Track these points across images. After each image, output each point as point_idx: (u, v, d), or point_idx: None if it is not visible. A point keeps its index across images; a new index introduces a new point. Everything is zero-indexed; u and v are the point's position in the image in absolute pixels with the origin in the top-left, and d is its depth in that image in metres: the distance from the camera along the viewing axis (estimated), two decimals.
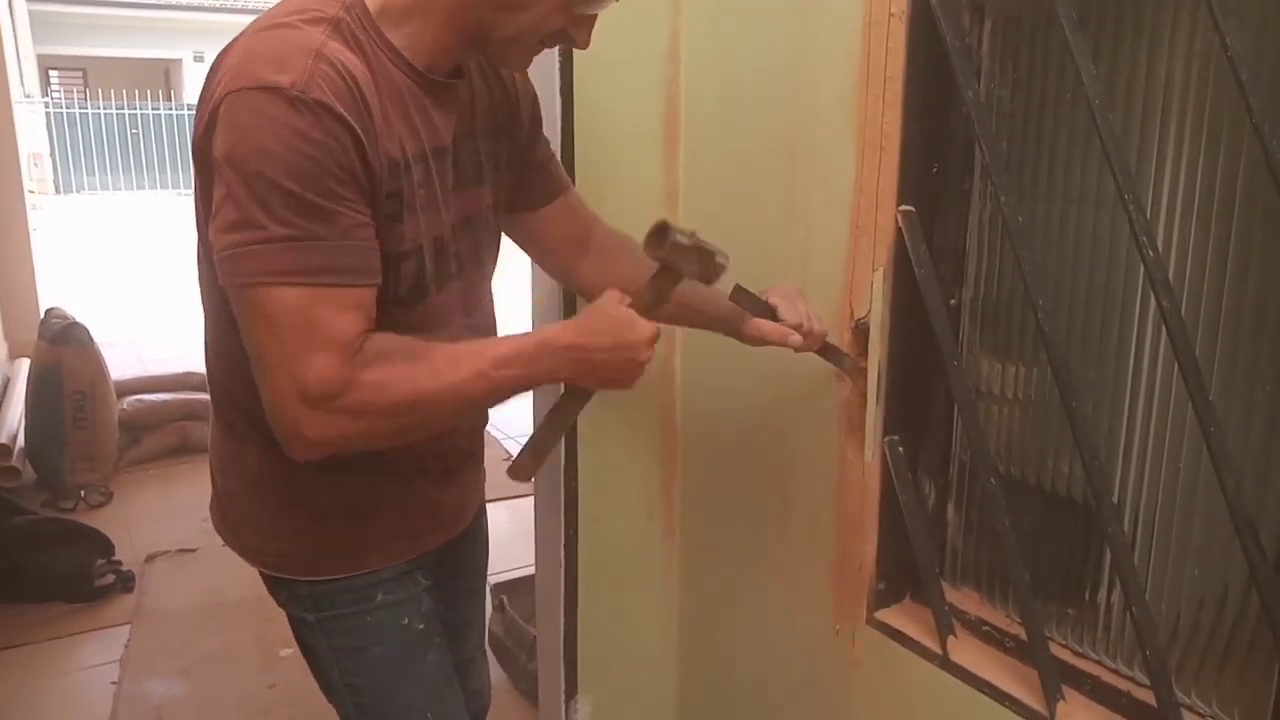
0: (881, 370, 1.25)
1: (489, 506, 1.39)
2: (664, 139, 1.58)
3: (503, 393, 0.98)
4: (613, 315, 0.99)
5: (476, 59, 1.07)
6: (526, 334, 1.01)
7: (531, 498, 1.75)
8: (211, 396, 1.13)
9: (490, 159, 1.11)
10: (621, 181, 1.52)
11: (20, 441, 3.49)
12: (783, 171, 1.37)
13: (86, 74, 18.67)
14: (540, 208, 1.22)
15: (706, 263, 1.02)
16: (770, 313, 1.16)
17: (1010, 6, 1.14)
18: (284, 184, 0.84)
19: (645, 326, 0.99)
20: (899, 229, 1.20)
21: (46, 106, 15.28)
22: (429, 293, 1.03)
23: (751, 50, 1.41)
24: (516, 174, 1.18)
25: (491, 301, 1.19)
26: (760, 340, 1.18)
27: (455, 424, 1.07)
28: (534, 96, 1.21)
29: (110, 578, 2.79)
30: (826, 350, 1.23)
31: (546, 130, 1.25)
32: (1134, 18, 1.04)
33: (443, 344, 0.97)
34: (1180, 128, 1.02)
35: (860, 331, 1.26)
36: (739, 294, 1.12)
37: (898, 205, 1.20)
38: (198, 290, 1.06)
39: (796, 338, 1.16)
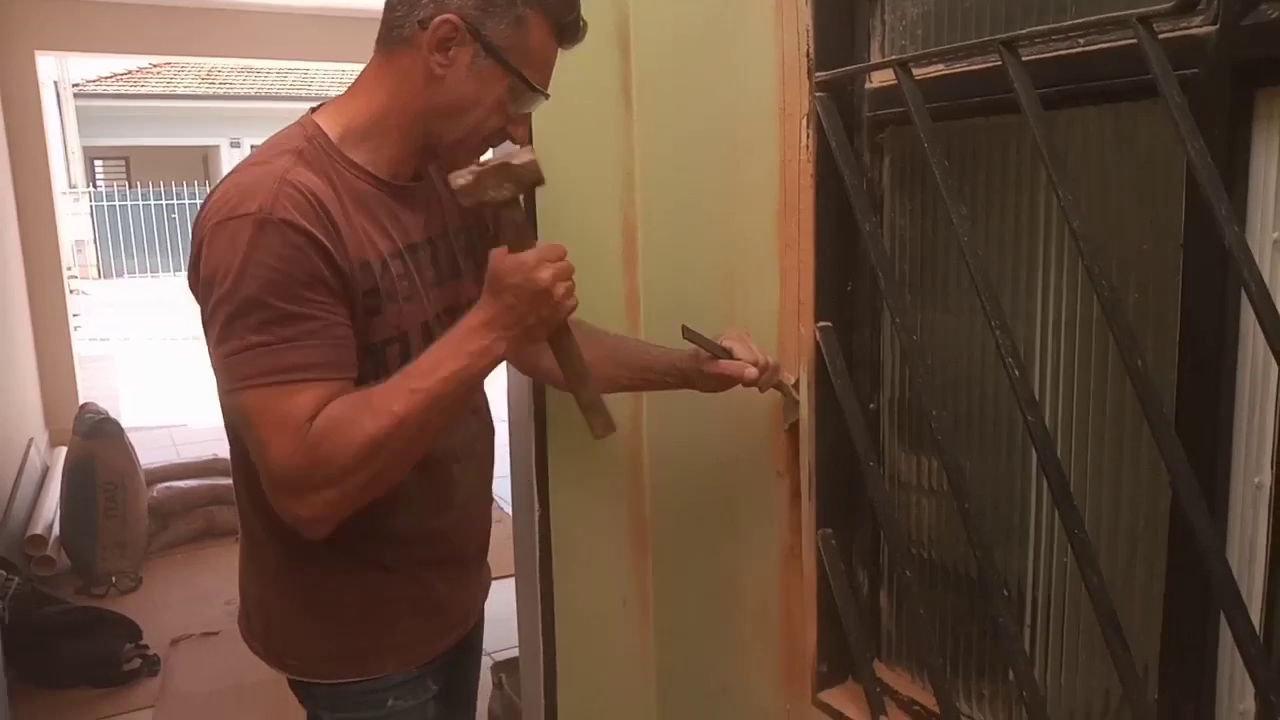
0: (811, 470, 1.37)
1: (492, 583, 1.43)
2: (623, 250, 1.74)
3: (446, 397, 1.01)
4: (497, 277, 1.02)
5: (434, 164, 1.17)
6: (449, 334, 1.04)
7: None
8: (238, 506, 1.21)
9: (465, 254, 1.21)
10: (591, 285, 1.67)
11: (55, 530, 3.68)
12: (722, 288, 1.51)
13: (129, 162, 19.46)
14: None
15: (505, 172, 1.01)
16: (726, 353, 1.25)
17: (904, 145, 1.29)
18: (258, 297, 0.96)
19: (525, 259, 1.01)
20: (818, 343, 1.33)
21: (91, 197, 15.98)
22: None
23: (695, 178, 1.56)
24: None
25: (483, 385, 1.24)
26: (721, 378, 1.25)
27: (431, 445, 1.09)
28: None
29: (137, 662, 2.92)
30: (779, 385, 1.33)
31: None
32: (1015, 158, 1.18)
33: (374, 384, 1.02)
34: (1060, 248, 1.15)
35: (792, 433, 1.39)
36: (692, 334, 1.20)
37: (816, 321, 1.33)
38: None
39: (753, 372, 1.24)
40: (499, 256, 1.03)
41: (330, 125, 1.08)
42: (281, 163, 1.03)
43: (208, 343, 1.02)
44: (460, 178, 0.99)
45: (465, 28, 1.02)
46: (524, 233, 1.03)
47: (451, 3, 1.02)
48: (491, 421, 1.31)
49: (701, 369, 1.27)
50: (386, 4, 1.06)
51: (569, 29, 1.08)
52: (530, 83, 1.06)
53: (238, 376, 0.98)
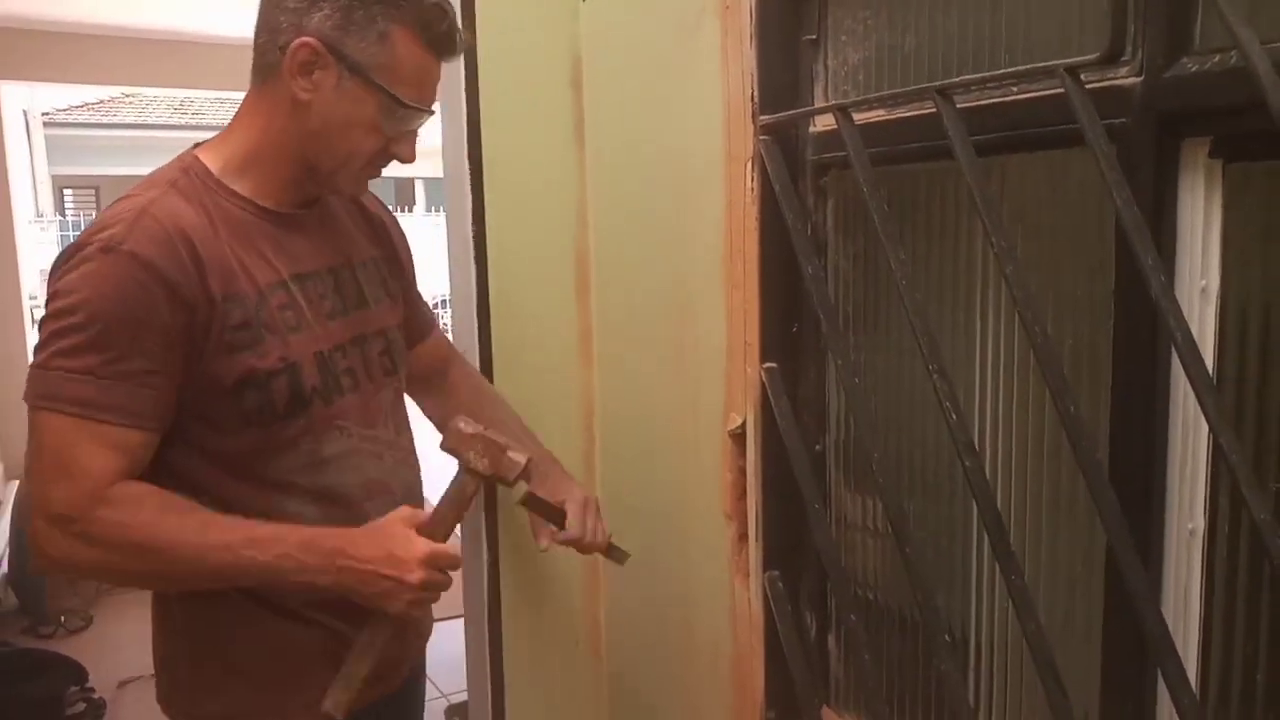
0: (758, 511, 1.36)
1: (441, 625, 1.37)
2: (576, 283, 1.74)
3: (247, 573, 1.01)
4: (387, 529, 1.03)
5: (321, 190, 1.15)
6: (300, 527, 1.03)
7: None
8: None
9: (374, 284, 1.20)
10: (542, 327, 1.67)
11: (4, 568, 3.59)
12: (673, 325, 1.51)
13: (99, 191, 19.31)
14: (410, 347, 1.29)
15: (496, 457, 1.05)
16: (561, 518, 1.25)
17: (847, 189, 1.29)
18: (78, 322, 0.96)
19: (419, 545, 1.02)
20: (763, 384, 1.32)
21: (59, 226, 15.83)
22: (311, 405, 1.08)
23: (645, 215, 1.57)
24: (401, 305, 1.26)
25: (404, 415, 1.24)
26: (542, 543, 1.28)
27: (208, 587, 1.07)
28: (406, 241, 1.31)
29: (81, 706, 2.85)
30: (610, 551, 1.33)
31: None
32: (953, 202, 1.19)
33: (208, 510, 1.02)
34: (998, 292, 1.15)
35: (739, 476, 1.38)
36: (532, 501, 1.21)
37: (762, 362, 1.33)
38: None
39: (566, 538, 1.26)
40: (403, 519, 1.04)
41: (211, 159, 1.08)
42: (150, 194, 1.02)
43: None
44: (466, 425, 1.04)
45: (325, 49, 1.00)
46: (449, 519, 1.05)
47: (310, 25, 1.00)
48: (413, 452, 1.24)
49: (534, 529, 1.29)
50: (254, 32, 1.04)
51: (442, 40, 1.04)
52: (400, 100, 1.03)
53: (36, 393, 0.97)
